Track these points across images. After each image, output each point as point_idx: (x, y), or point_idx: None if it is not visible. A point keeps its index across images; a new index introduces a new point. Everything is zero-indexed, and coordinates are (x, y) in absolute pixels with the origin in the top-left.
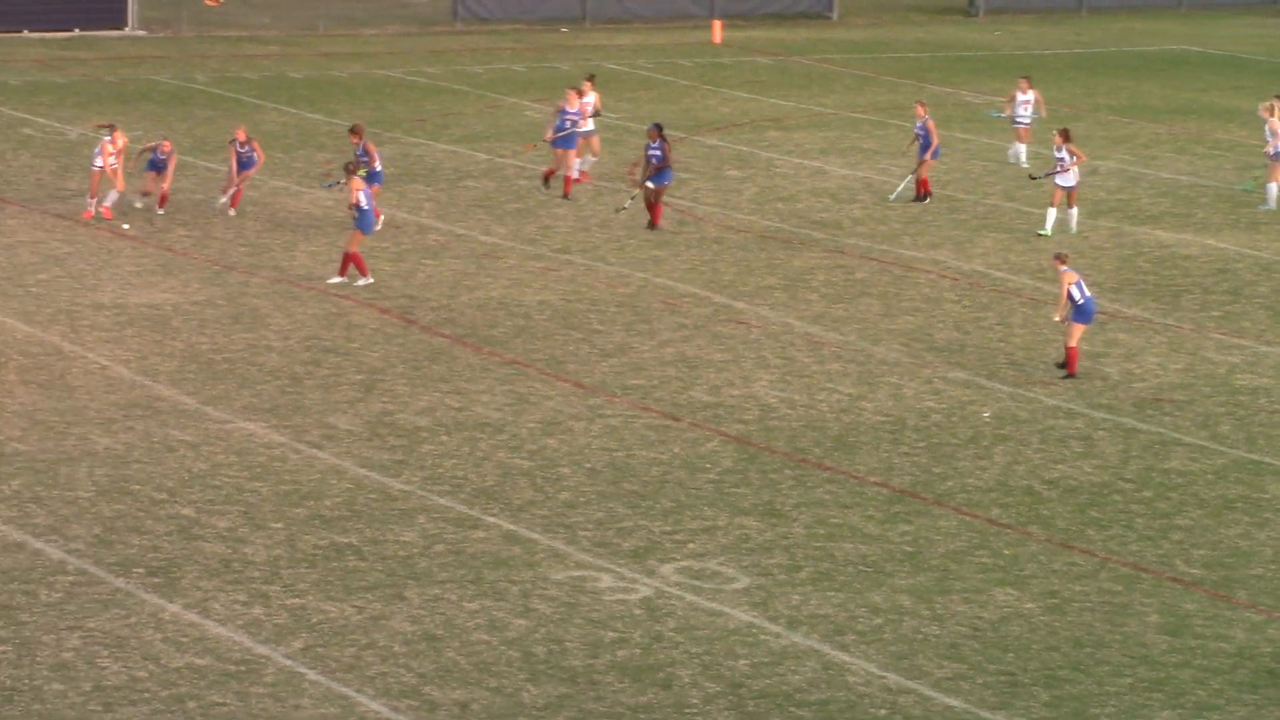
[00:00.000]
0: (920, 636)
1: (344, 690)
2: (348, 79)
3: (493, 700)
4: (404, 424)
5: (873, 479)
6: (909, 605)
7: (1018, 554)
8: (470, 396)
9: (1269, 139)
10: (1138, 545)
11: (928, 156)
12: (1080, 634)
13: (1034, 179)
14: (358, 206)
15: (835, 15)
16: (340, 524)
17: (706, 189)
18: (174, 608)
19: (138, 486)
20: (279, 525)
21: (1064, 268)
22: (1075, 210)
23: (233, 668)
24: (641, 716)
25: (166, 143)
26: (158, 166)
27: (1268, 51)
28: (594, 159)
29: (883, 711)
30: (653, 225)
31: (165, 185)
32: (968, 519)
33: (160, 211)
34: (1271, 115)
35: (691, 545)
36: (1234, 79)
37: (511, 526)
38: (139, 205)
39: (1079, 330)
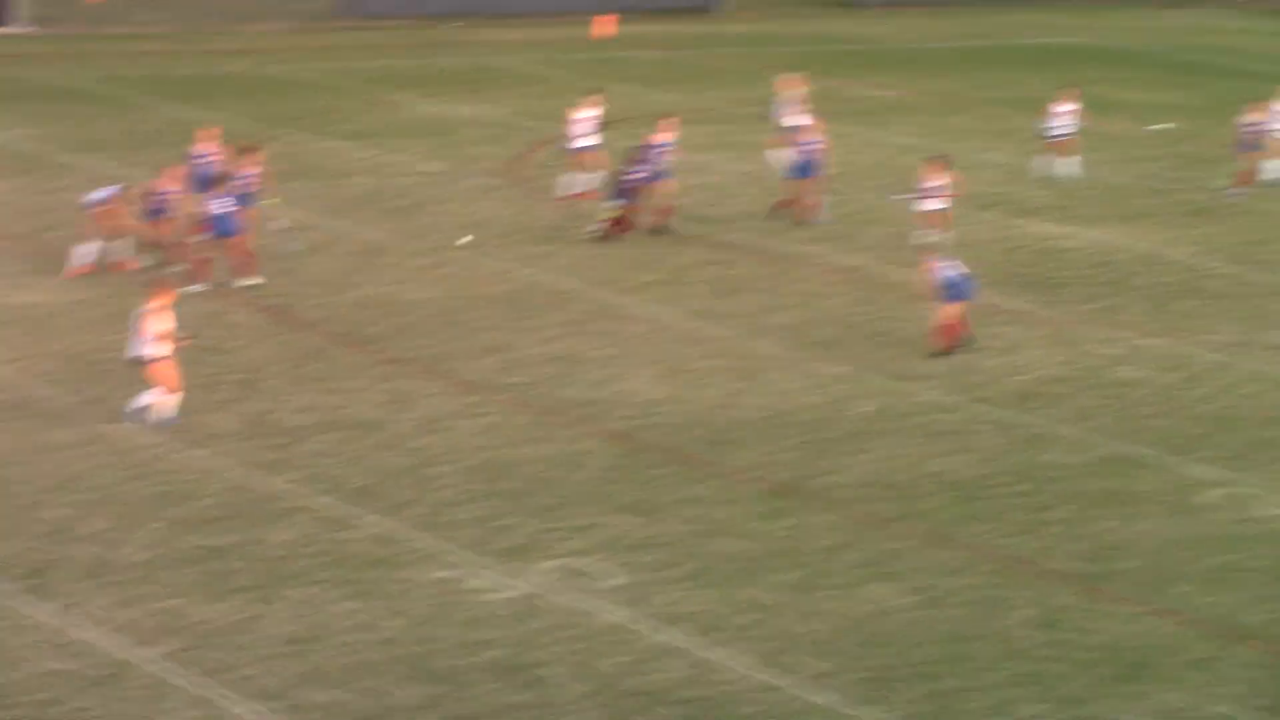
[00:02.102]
0: (793, 633)
1: (214, 693)
2: (233, 76)
3: (363, 702)
4: (283, 423)
5: (751, 475)
6: (783, 601)
7: (893, 549)
8: (349, 395)
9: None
10: (1013, 539)
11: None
12: (953, 629)
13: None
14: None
15: (721, 9)
16: (218, 524)
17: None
18: (45, 610)
19: (15, 488)
20: (156, 526)
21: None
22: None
23: (103, 672)
24: (512, 716)
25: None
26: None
27: (1154, 44)
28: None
29: (753, 709)
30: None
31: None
32: (845, 514)
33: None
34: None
35: (568, 543)
36: (1120, 71)
37: (388, 526)
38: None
39: (954, 309)
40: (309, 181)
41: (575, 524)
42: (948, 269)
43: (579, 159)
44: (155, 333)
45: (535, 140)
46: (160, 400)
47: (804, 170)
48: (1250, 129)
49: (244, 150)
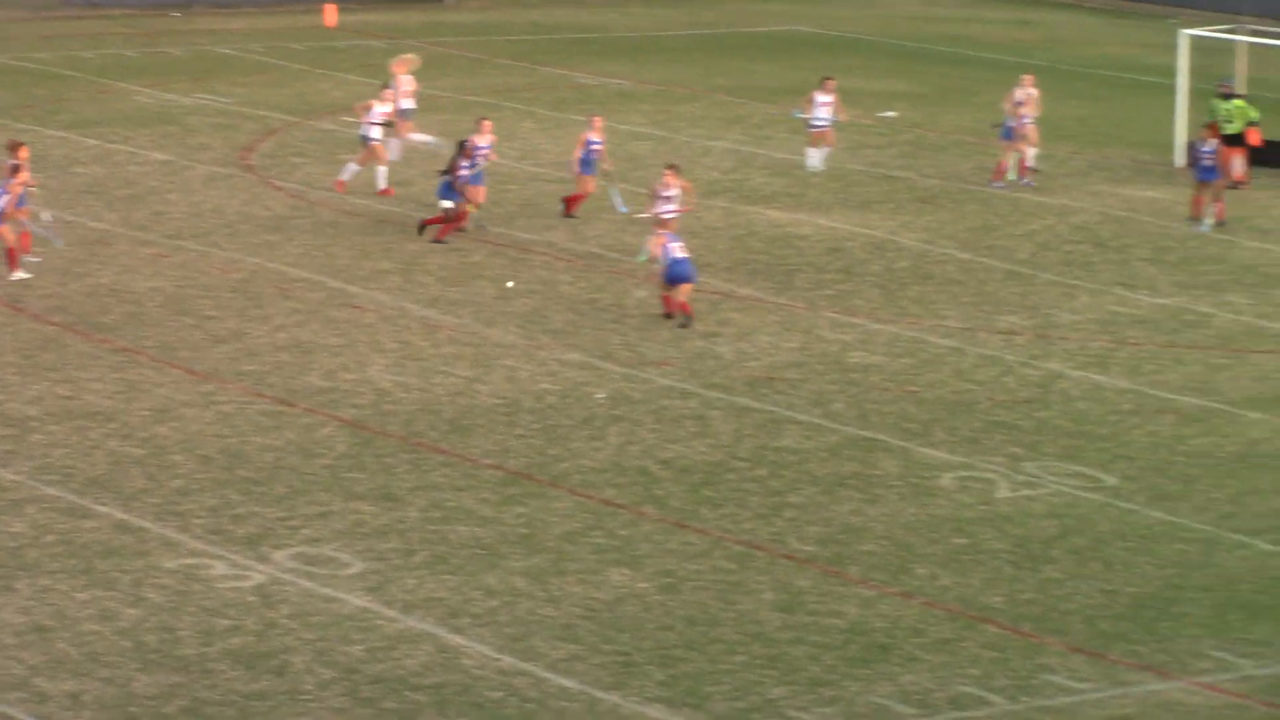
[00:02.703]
0: (535, 618)
1: None
2: None
3: (104, 690)
4: (13, 413)
5: (488, 462)
6: (524, 587)
7: (632, 534)
8: (80, 385)
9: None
10: (751, 523)
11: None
12: (694, 613)
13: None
14: None
15: None
16: None
17: (321, 173)
18: None
19: None
20: None
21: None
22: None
23: None
24: (255, 704)
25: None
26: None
27: (877, 31)
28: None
29: (498, 694)
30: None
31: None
32: (582, 500)
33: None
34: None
35: (306, 531)
36: (846, 59)
37: (123, 515)
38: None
39: (680, 288)
40: (35, 171)
41: (313, 512)
42: (675, 250)
43: (370, 152)
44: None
45: (265, 129)
46: None
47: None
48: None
49: (13, 147)
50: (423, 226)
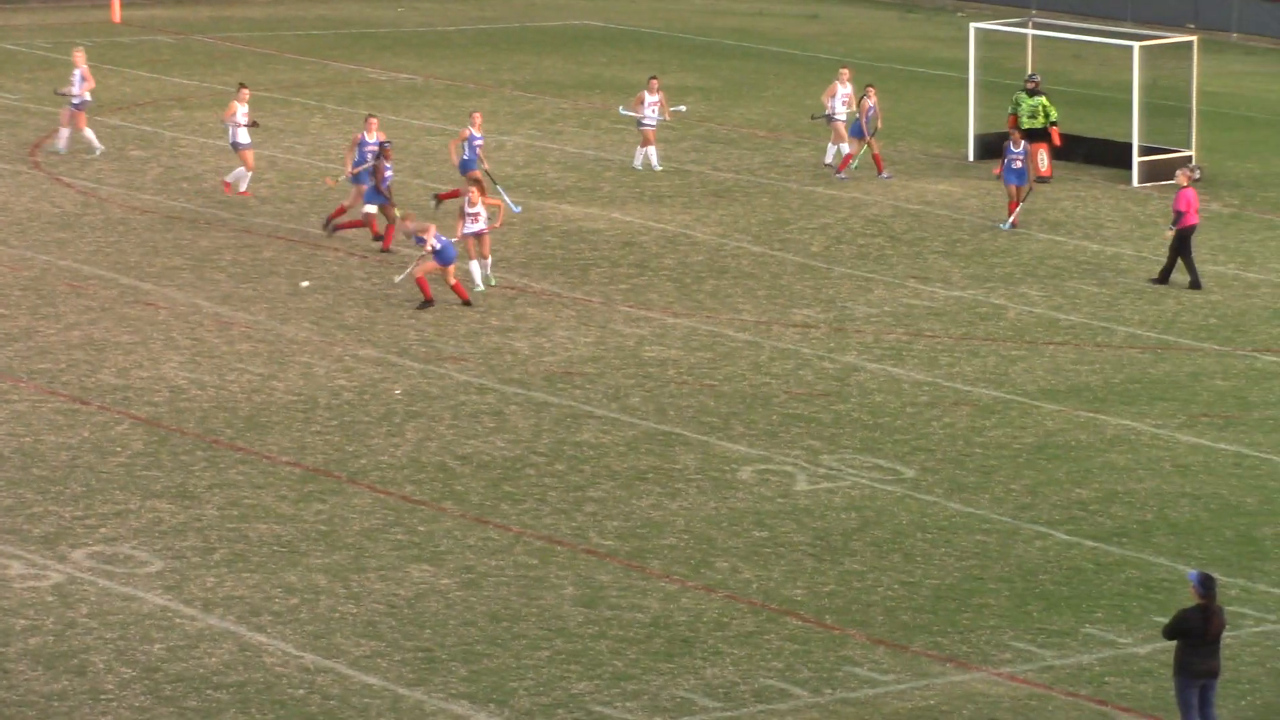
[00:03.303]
0: (337, 615)
1: None
2: None
3: None
4: None
5: (285, 459)
6: (325, 584)
7: (432, 530)
8: None
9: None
10: (552, 518)
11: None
12: (497, 608)
13: (434, 202)
14: None
15: None
16: None
17: (110, 169)
18: None
19: None
20: None
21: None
22: (489, 261)
23: None
24: (55, 704)
25: None
26: None
27: (665, 25)
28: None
29: (301, 691)
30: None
31: None
32: (382, 496)
33: None
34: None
35: (103, 530)
36: (635, 53)
37: None
38: None
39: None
40: None
41: (110, 510)
42: (440, 237)
43: (241, 155)
44: None
45: (52, 126)
46: None
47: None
48: (870, 112)
49: None
50: (328, 222)
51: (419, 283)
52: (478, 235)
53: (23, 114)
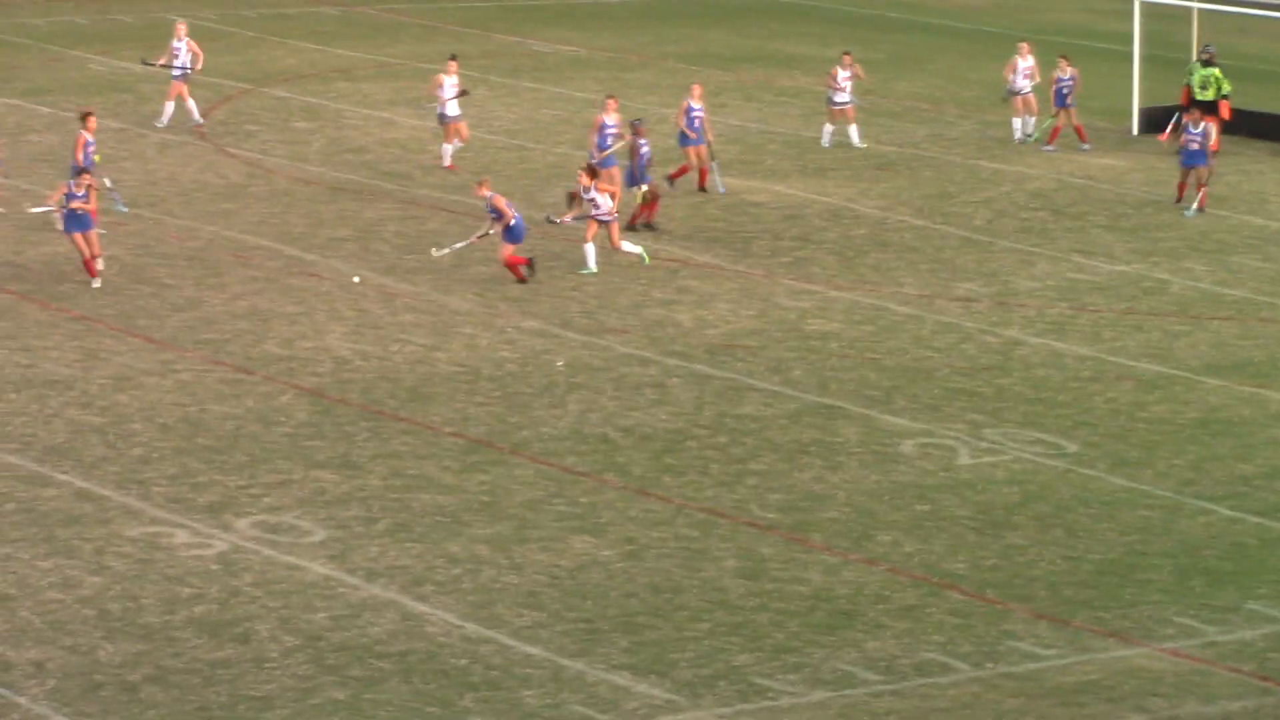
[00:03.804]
0: (499, 585)
1: None
2: None
3: (69, 659)
4: None
5: (448, 429)
6: (487, 555)
7: (594, 502)
8: (38, 353)
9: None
10: (713, 491)
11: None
12: (658, 580)
13: (551, 221)
14: None
15: None
16: None
17: (275, 141)
18: None
19: None
20: None
21: (487, 191)
22: (629, 246)
23: None
24: (220, 672)
25: None
26: None
27: None
28: (461, 144)
29: (463, 661)
30: (637, 224)
31: None
32: (544, 468)
33: None
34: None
35: (267, 499)
36: (799, 26)
37: (84, 484)
38: None
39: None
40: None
41: (274, 480)
42: (515, 213)
43: (450, 129)
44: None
45: (219, 97)
46: None
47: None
48: (1063, 83)
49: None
50: (644, 222)
51: (509, 264)
52: (602, 222)
53: (189, 85)
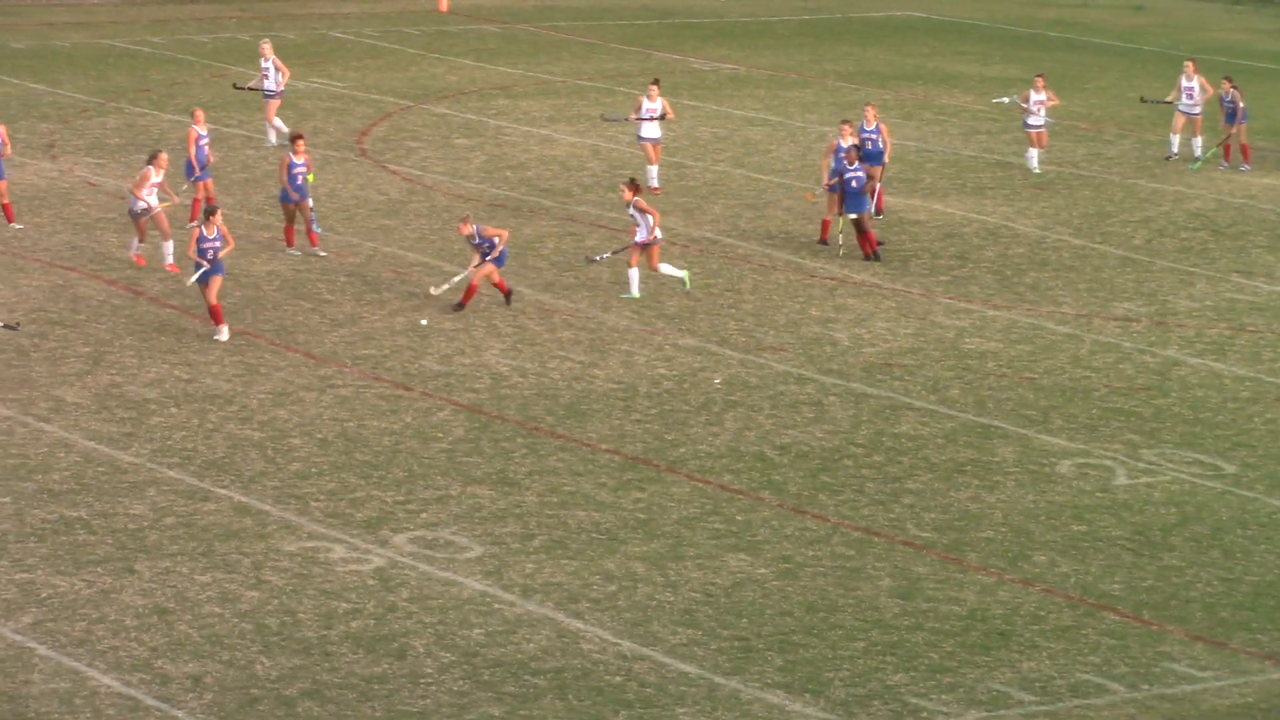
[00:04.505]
0: (654, 603)
1: (75, 664)
2: (71, 48)
3: (226, 672)
4: (132, 396)
5: (605, 446)
6: (642, 572)
7: (750, 520)
8: (199, 368)
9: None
10: (869, 509)
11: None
12: (813, 598)
13: (592, 261)
14: None
15: None
16: (69, 497)
17: (435, 157)
18: None
19: None
20: (6, 499)
21: (472, 228)
22: (667, 268)
23: None
24: (375, 687)
25: None
26: None
27: (989, 17)
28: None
29: (617, 678)
30: (869, 255)
31: None
32: (700, 485)
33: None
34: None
35: (424, 515)
36: (957, 45)
37: (243, 498)
38: None
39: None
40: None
41: (431, 495)
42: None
43: (647, 150)
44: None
45: (380, 113)
46: None
47: None
48: (1228, 101)
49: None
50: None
51: (497, 284)
52: (642, 246)
53: (351, 102)
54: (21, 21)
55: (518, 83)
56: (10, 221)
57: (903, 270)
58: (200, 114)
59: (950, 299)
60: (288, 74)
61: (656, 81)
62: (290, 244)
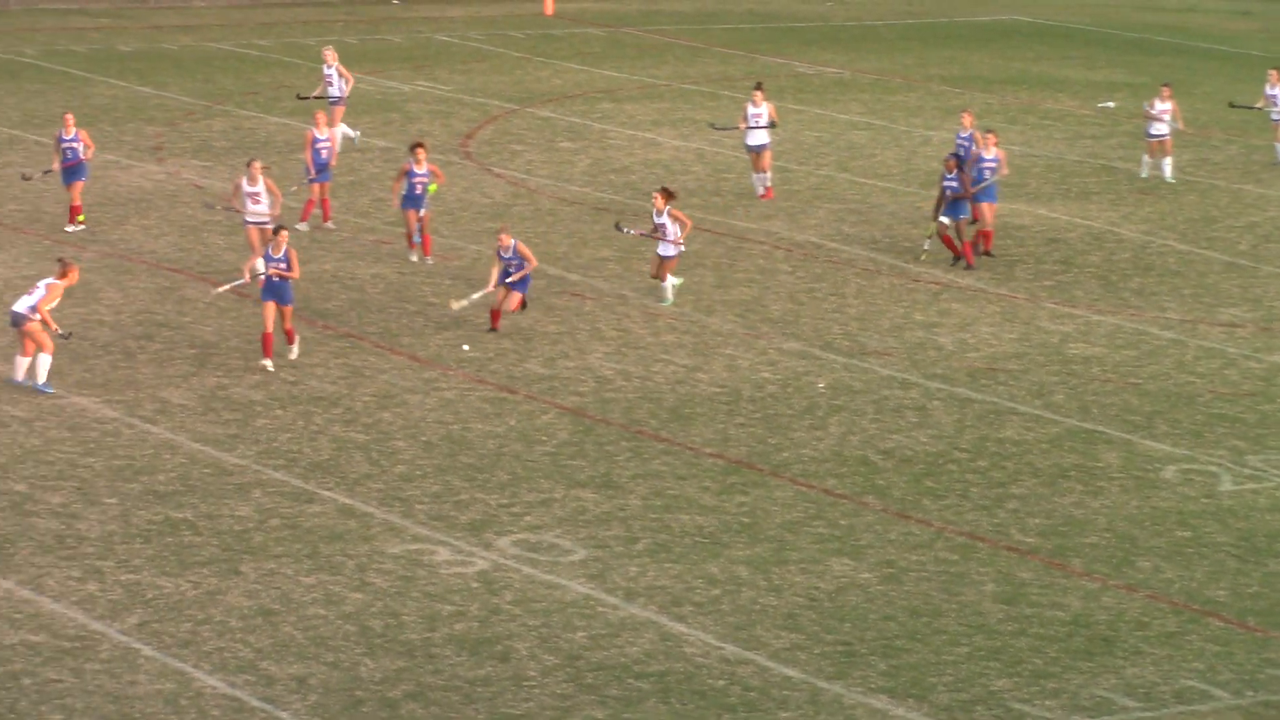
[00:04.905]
0: (758, 607)
1: (180, 665)
2: (178, 51)
3: (330, 674)
4: (238, 398)
5: (709, 450)
6: (746, 576)
7: (854, 524)
8: (304, 370)
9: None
10: (973, 514)
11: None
12: (917, 603)
13: (619, 230)
14: None
15: None
16: (175, 499)
17: (540, 161)
18: (7, 584)
19: None
20: (112, 501)
21: (510, 240)
22: (670, 280)
23: (68, 644)
24: (479, 689)
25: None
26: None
27: (1095, 20)
28: (761, 174)
29: (721, 682)
30: (964, 263)
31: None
32: (804, 489)
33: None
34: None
35: (528, 518)
36: (1063, 49)
37: (347, 500)
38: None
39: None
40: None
41: (535, 499)
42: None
43: (755, 159)
44: (43, 305)
45: (484, 116)
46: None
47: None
48: None
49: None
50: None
51: (515, 309)
52: (664, 256)
53: (456, 105)
54: (129, 24)
55: (622, 86)
56: (71, 222)
57: (1007, 275)
58: (321, 117)
59: (1055, 304)
60: (352, 80)
61: (760, 86)
62: (411, 248)
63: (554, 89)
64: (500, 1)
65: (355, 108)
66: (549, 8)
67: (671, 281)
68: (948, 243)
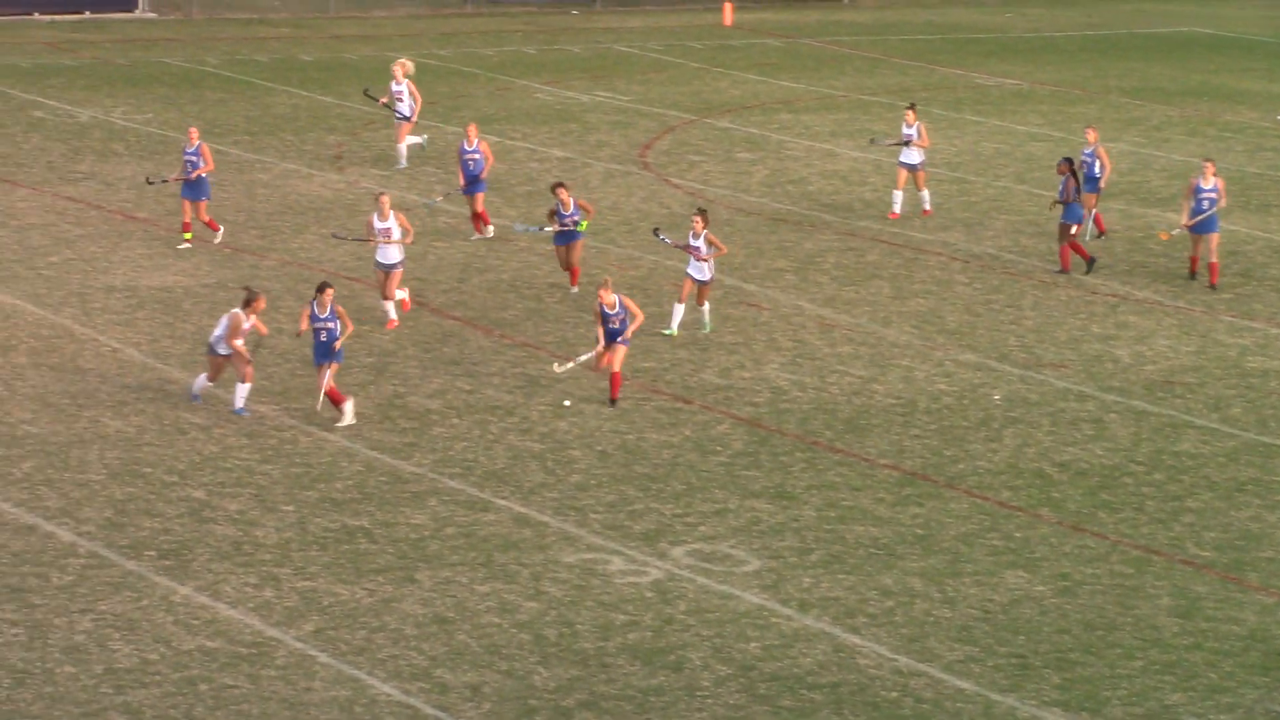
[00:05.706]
0: (931, 619)
1: (355, 673)
2: (359, 61)
3: (504, 683)
4: (415, 406)
5: (884, 461)
6: (920, 588)
7: (1029, 537)
8: (481, 379)
9: None
10: (1149, 528)
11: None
12: (1091, 617)
13: (656, 234)
14: None
15: None
16: (351, 506)
17: (717, 171)
18: (185, 590)
19: (149, 469)
20: (290, 508)
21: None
22: (708, 307)
23: (244, 650)
24: (653, 699)
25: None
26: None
27: (1277, 33)
28: (920, 191)
29: (894, 694)
30: (1084, 265)
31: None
32: (979, 501)
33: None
34: None
35: (703, 528)
36: (1243, 61)
37: (522, 509)
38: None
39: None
40: (436, 167)
41: (709, 509)
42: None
43: (909, 176)
44: (232, 339)
45: (663, 127)
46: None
47: None
48: None
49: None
50: (1089, 262)
51: (605, 368)
52: (698, 281)
53: (634, 115)
54: (311, 34)
55: (800, 97)
56: (213, 229)
57: (1185, 288)
58: (472, 129)
59: (1233, 317)
60: (420, 101)
61: (912, 106)
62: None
63: (732, 100)
64: (679, 12)
65: (535, 117)
66: (728, 18)
67: (677, 317)
68: (1077, 249)
